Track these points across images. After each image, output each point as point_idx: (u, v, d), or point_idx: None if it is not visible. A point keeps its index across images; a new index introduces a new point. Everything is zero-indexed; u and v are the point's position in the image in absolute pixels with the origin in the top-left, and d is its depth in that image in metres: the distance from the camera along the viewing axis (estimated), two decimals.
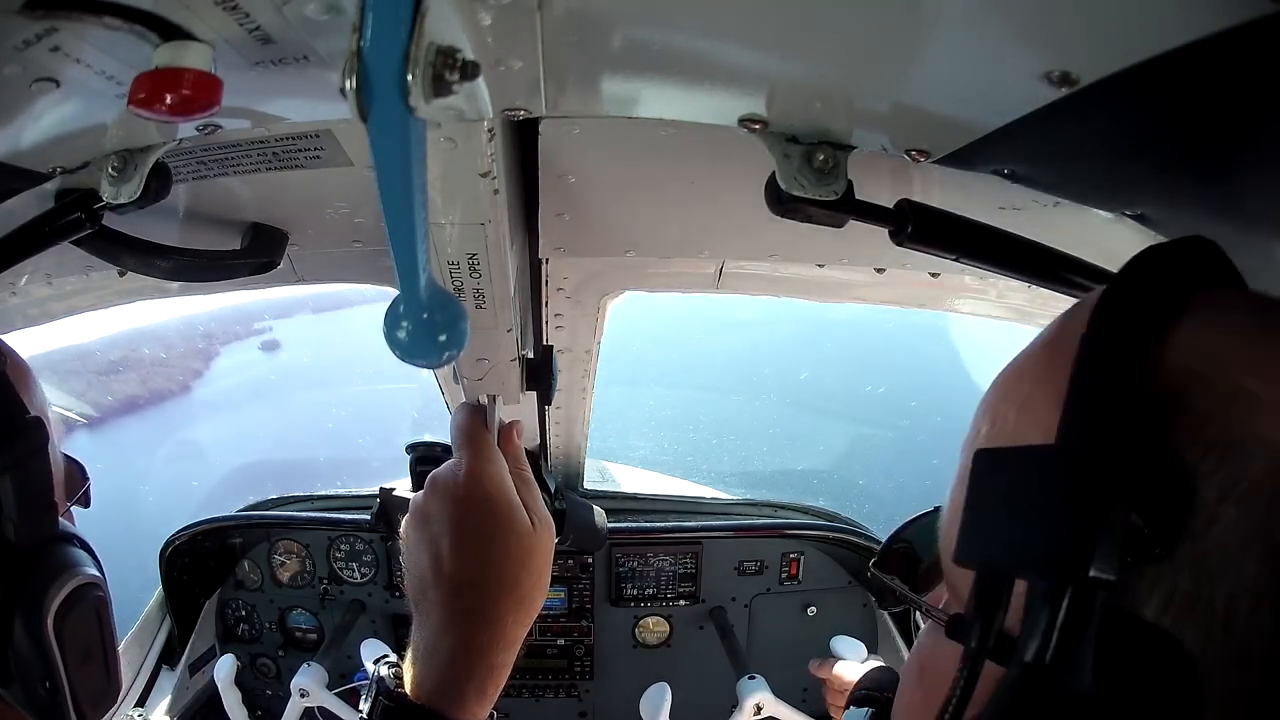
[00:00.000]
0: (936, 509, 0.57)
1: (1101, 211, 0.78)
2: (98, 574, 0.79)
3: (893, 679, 0.66)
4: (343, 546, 2.18)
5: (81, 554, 0.79)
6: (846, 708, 0.90)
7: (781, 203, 0.71)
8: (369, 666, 1.84)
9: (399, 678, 0.79)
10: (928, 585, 0.64)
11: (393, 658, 0.83)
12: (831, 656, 1.57)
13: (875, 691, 0.84)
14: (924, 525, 0.68)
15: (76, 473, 0.86)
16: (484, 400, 0.91)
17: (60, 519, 0.80)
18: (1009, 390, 0.49)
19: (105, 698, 0.80)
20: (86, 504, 0.87)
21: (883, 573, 0.63)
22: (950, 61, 0.55)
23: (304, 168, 0.87)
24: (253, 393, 8.94)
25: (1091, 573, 0.37)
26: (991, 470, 0.45)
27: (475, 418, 0.88)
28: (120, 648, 2.06)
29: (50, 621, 0.72)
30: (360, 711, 0.82)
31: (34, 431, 0.75)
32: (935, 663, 0.50)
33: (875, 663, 1.63)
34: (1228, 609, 0.36)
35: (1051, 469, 0.40)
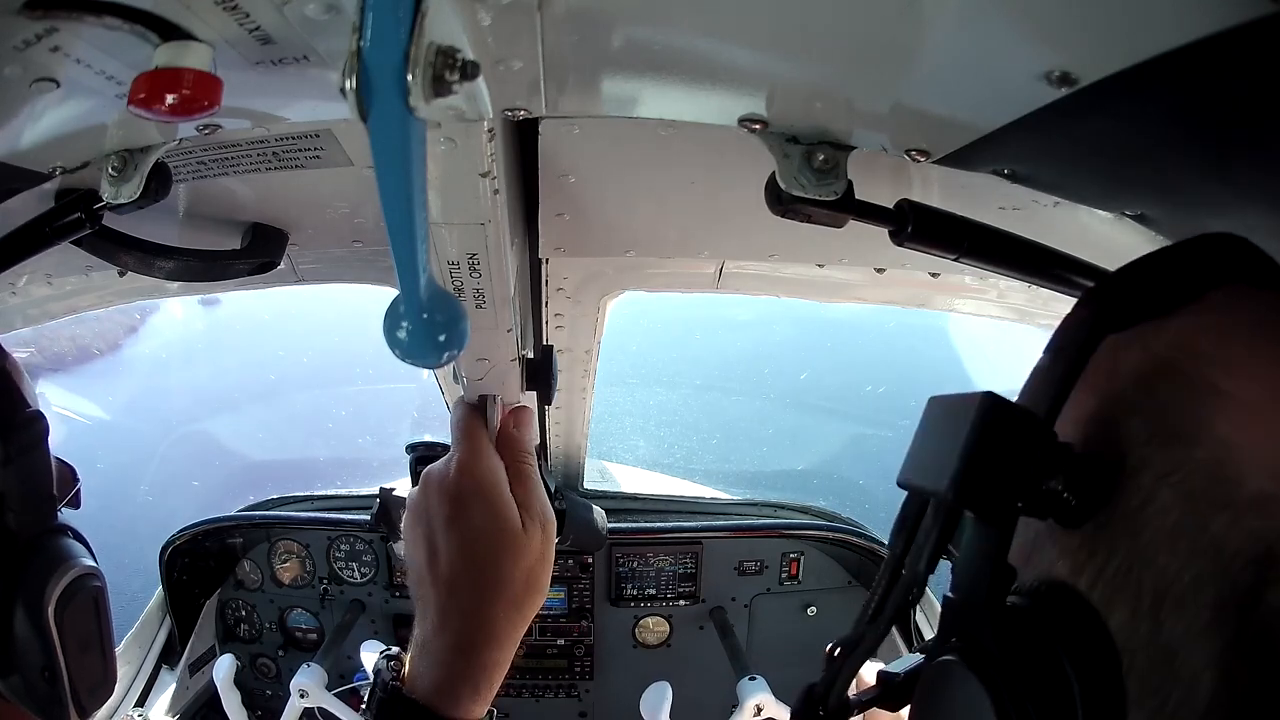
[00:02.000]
0: None
1: (1101, 211, 0.78)
2: (95, 564, 0.80)
3: None
4: (343, 546, 2.18)
5: (78, 545, 0.80)
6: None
7: (781, 203, 0.71)
8: (368, 668, 1.84)
9: (397, 672, 0.80)
10: None
11: (395, 651, 0.84)
12: None
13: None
14: None
15: (67, 474, 0.87)
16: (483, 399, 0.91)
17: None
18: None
19: (102, 688, 0.81)
20: (76, 505, 0.87)
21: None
22: (950, 62, 0.55)
23: (304, 168, 0.87)
24: (184, 354, 8.61)
25: (960, 499, 0.41)
26: (935, 411, 0.48)
27: (473, 413, 0.88)
28: (120, 648, 2.07)
29: (51, 611, 0.73)
30: (364, 706, 0.82)
31: (34, 425, 0.76)
32: None
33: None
34: (1154, 596, 0.37)
35: (958, 408, 0.43)
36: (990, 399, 0.42)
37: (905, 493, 0.50)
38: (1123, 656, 0.37)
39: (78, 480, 0.88)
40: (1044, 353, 0.47)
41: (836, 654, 0.52)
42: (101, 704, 0.81)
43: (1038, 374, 0.46)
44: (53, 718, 0.74)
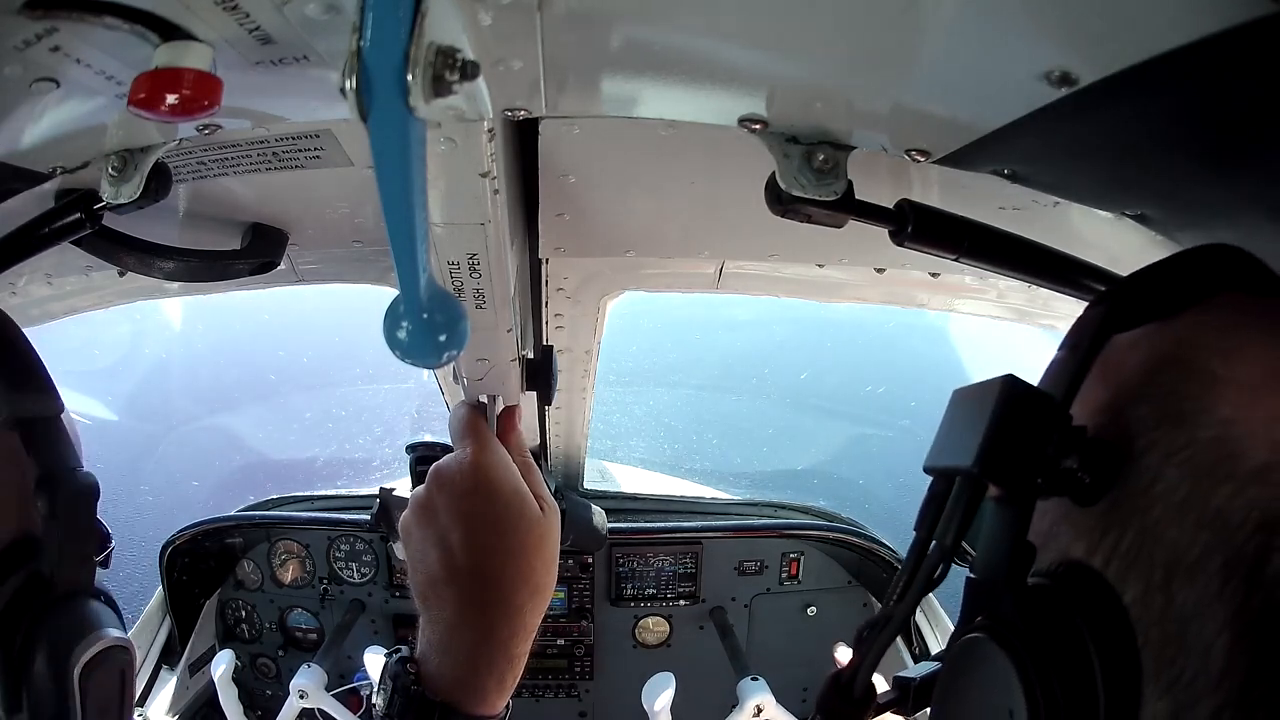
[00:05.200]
0: None
1: (1101, 211, 0.78)
2: (126, 636, 0.78)
3: None
4: (343, 546, 2.18)
5: (110, 613, 0.78)
6: None
7: (781, 203, 0.71)
8: (373, 672, 1.84)
9: (413, 673, 0.79)
10: None
11: (405, 651, 0.83)
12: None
13: None
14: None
15: (100, 535, 0.84)
16: (483, 400, 0.91)
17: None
18: None
19: None
20: (106, 565, 0.85)
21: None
22: (950, 61, 0.56)
23: (304, 168, 0.87)
24: (184, 354, 8.57)
25: (984, 472, 0.43)
26: (958, 400, 0.51)
27: (475, 411, 0.88)
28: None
29: (76, 674, 0.71)
30: (375, 706, 0.81)
31: (84, 482, 0.74)
32: None
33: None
34: (1166, 570, 0.38)
35: (980, 395, 0.46)
36: (1011, 380, 0.45)
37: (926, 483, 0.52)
38: (1137, 631, 0.39)
39: (110, 541, 0.86)
40: (1059, 349, 0.49)
41: (865, 635, 0.54)
42: None
43: (1054, 367, 0.49)
44: None
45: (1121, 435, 0.43)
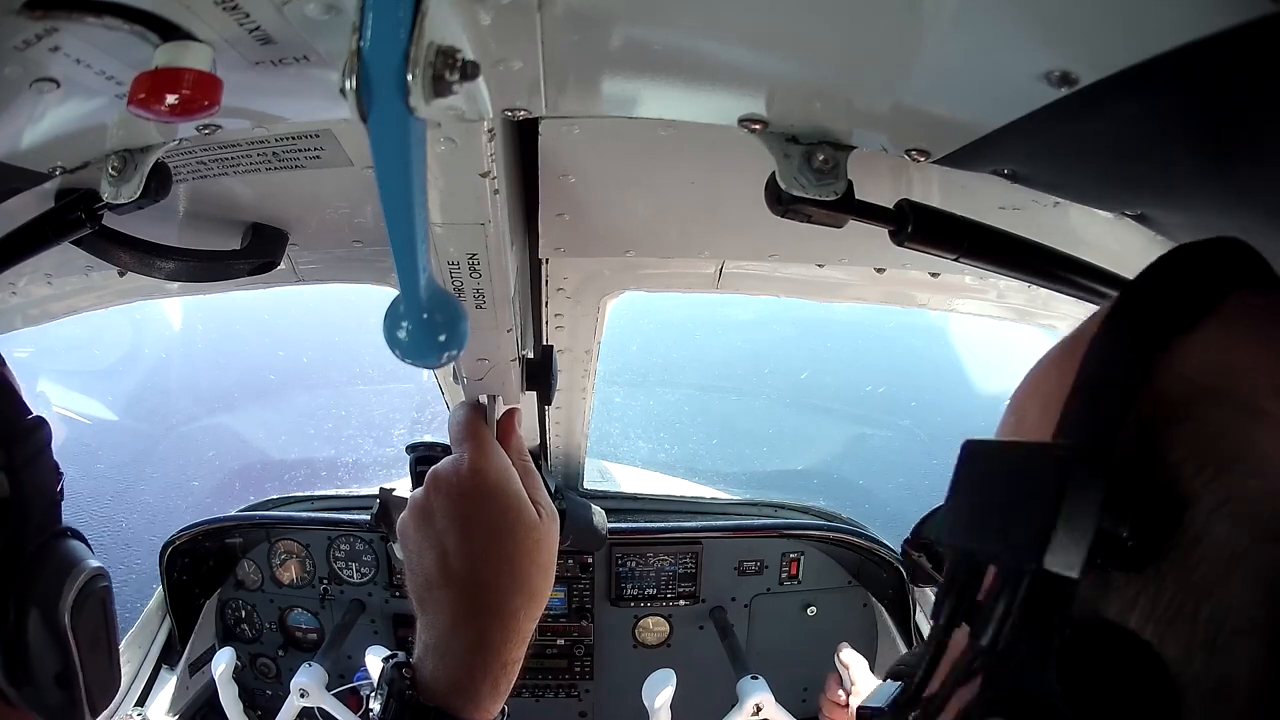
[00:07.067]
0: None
1: (1101, 211, 0.78)
2: (100, 564, 0.80)
3: None
4: (343, 546, 2.18)
5: (81, 546, 0.80)
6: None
7: (781, 203, 0.71)
8: (373, 672, 1.84)
9: (408, 678, 0.79)
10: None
11: (401, 656, 0.82)
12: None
13: (910, 669, 0.84)
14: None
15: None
16: (483, 400, 0.91)
17: None
18: (1035, 386, 0.49)
19: (110, 686, 0.81)
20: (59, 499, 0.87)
21: (914, 549, 0.64)
22: (950, 62, 0.56)
23: (304, 168, 0.87)
24: (184, 354, 8.54)
25: (1048, 566, 0.37)
26: (976, 459, 0.46)
27: (475, 413, 0.87)
28: (120, 648, 2.06)
29: (66, 618, 0.74)
30: (371, 710, 0.81)
31: (38, 432, 0.75)
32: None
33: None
34: (1210, 627, 0.35)
35: (1028, 464, 0.41)
36: (1074, 457, 0.38)
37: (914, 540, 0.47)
38: (1181, 693, 0.35)
39: (61, 475, 0.87)
40: (1081, 393, 0.43)
41: None
42: (110, 701, 0.81)
43: (1076, 411, 0.42)
44: None
45: (1163, 487, 0.38)
